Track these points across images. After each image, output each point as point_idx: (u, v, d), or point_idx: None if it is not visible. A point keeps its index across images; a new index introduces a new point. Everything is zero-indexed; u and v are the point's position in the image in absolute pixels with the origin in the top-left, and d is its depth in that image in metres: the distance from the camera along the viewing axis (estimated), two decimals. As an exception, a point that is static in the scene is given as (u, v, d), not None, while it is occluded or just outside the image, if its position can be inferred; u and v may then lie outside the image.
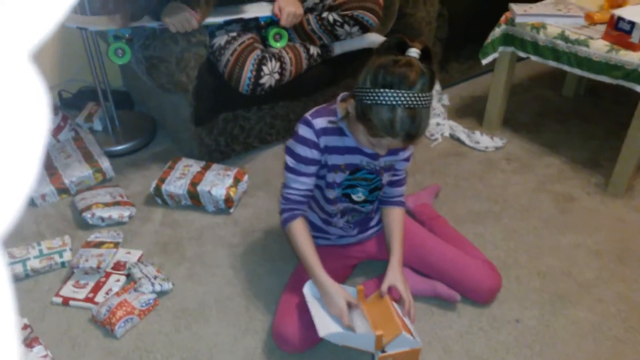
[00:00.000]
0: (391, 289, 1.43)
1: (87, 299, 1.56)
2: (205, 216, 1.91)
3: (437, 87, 2.55)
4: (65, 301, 1.56)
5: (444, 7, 2.49)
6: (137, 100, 2.56)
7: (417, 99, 1.15)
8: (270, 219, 1.88)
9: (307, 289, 1.39)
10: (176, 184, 1.90)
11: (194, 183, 1.89)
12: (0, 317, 0.30)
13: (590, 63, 1.86)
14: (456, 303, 1.55)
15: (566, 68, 1.96)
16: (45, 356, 1.34)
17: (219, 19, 1.90)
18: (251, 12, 1.94)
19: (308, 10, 2.02)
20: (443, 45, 2.58)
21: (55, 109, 2.22)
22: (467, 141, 2.29)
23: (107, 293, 1.58)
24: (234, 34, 1.94)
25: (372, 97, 1.17)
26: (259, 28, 2.00)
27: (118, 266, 1.67)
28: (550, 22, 1.98)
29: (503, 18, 2.12)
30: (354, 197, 1.47)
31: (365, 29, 2.02)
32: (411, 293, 1.43)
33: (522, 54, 2.10)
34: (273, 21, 1.95)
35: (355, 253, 1.62)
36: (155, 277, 1.59)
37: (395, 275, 1.43)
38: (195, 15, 1.79)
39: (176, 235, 1.83)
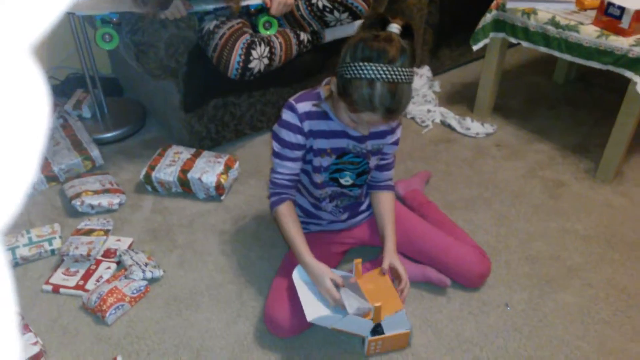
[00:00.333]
0: (388, 270, 1.44)
1: (78, 287, 1.56)
2: (196, 203, 1.90)
3: (428, 73, 2.55)
4: (56, 289, 1.56)
5: (435, -7, 2.48)
6: (126, 87, 2.54)
7: (397, 73, 1.15)
8: (261, 206, 1.88)
9: (296, 274, 1.40)
10: (166, 171, 1.89)
11: (185, 170, 1.88)
12: (0, 307, 0.30)
13: (581, 49, 1.86)
14: (446, 288, 1.56)
15: (556, 54, 1.96)
16: (36, 343, 1.34)
17: (209, 6, 1.88)
18: None
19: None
20: (434, 32, 2.57)
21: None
22: (457, 128, 2.30)
23: (97, 280, 1.58)
24: (223, 18, 1.92)
25: (351, 72, 1.17)
26: (249, 14, 1.98)
27: (108, 254, 1.67)
28: (540, 7, 1.98)
29: (494, 4, 2.11)
30: (342, 181, 1.47)
31: (355, 15, 2.00)
32: (403, 277, 1.44)
33: (512, 40, 2.10)
34: (263, 9, 1.93)
35: (346, 239, 1.63)
36: (146, 264, 1.59)
37: (393, 257, 1.44)
38: (185, 3, 1.77)
39: (167, 223, 1.82)
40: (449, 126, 2.32)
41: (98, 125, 2.25)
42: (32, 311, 1.50)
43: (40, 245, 1.67)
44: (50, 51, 2.49)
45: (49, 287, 1.56)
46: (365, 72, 1.15)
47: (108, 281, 1.55)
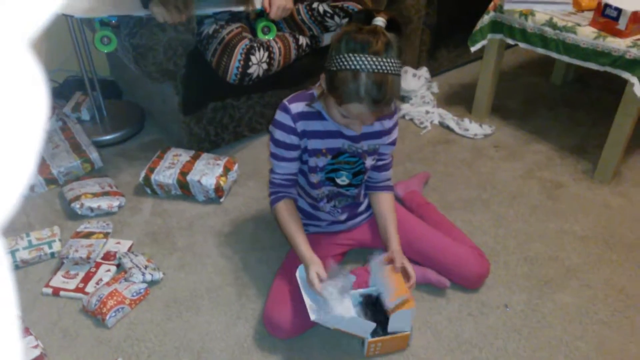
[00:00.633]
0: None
1: (78, 289, 1.56)
2: (196, 206, 1.90)
3: (426, 75, 2.56)
4: (56, 292, 1.56)
5: (433, -5, 2.48)
6: (125, 90, 2.54)
7: (381, 63, 1.16)
8: (260, 208, 1.88)
9: (300, 273, 1.40)
10: (165, 173, 1.89)
11: (184, 172, 1.89)
12: (1, 308, 0.30)
13: (578, 50, 1.87)
14: (445, 289, 1.56)
15: (554, 55, 1.97)
16: (36, 346, 1.34)
17: (208, 10, 1.88)
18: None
19: (298, 0, 2.01)
20: (432, 33, 2.58)
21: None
22: (456, 129, 2.30)
23: (97, 283, 1.58)
24: (223, 22, 1.92)
25: (336, 64, 1.20)
26: (248, 18, 1.98)
27: (108, 256, 1.67)
28: (538, 8, 1.99)
29: (492, 5, 2.12)
30: (338, 180, 1.48)
31: None
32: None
33: (510, 41, 2.11)
34: (262, 13, 1.93)
35: (344, 240, 1.63)
36: (145, 267, 1.59)
37: (402, 257, 1.44)
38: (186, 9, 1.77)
39: (166, 225, 1.82)
40: (447, 127, 2.33)
41: (97, 128, 2.26)
42: (32, 314, 1.50)
43: (40, 248, 1.67)
44: (49, 54, 2.49)
45: (49, 290, 1.56)
46: (350, 63, 1.17)
47: (108, 284, 1.55)
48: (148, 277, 1.57)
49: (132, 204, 1.91)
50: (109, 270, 1.63)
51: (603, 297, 1.56)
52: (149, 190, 1.94)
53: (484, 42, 2.17)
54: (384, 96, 1.19)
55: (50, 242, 1.69)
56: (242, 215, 1.86)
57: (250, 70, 1.86)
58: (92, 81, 2.25)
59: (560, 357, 1.40)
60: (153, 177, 1.89)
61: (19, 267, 1.65)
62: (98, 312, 1.46)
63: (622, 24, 1.76)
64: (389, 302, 1.35)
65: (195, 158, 1.95)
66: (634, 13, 1.73)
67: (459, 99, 2.53)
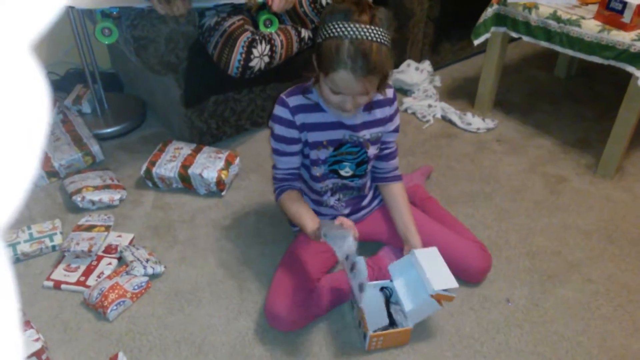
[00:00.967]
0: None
1: (79, 283, 1.56)
2: (197, 199, 1.90)
3: (429, 68, 2.54)
4: (57, 285, 1.56)
5: (436, -13, 2.47)
6: (127, 82, 2.53)
7: (364, 30, 1.17)
8: (262, 202, 1.88)
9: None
10: (167, 166, 1.89)
11: (185, 166, 1.88)
12: (2, 301, 0.30)
13: (582, 43, 1.85)
14: (447, 283, 1.56)
15: (558, 48, 1.95)
16: (37, 339, 1.34)
17: (210, 3, 1.87)
18: None
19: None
20: (435, 26, 2.56)
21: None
22: (458, 123, 2.29)
23: (98, 276, 1.58)
24: (224, 14, 1.91)
25: (321, 34, 1.22)
26: (250, 10, 1.97)
27: (109, 249, 1.67)
28: (542, 1, 1.97)
29: (495, -2, 2.10)
30: (342, 172, 1.47)
31: None
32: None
33: (514, 35, 2.09)
34: (264, 6, 1.92)
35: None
36: (147, 260, 1.59)
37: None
38: (185, 1, 1.76)
39: (168, 218, 1.82)
40: (450, 121, 2.32)
41: (98, 121, 2.25)
42: (34, 307, 1.50)
43: (41, 242, 1.67)
44: (49, 46, 2.48)
45: (50, 283, 1.56)
46: (333, 31, 1.19)
47: (109, 277, 1.55)
48: (149, 271, 1.56)
49: (134, 197, 1.91)
50: (110, 264, 1.63)
51: (605, 292, 1.56)
52: (150, 184, 1.93)
53: (487, 36, 2.16)
54: (368, 63, 1.18)
55: (51, 235, 1.69)
56: (243, 209, 1.86)
57: (252, 64, 1.85)
58: (93, 73, 2.24)
59: (562, 352, 1.39)
60: (154, 170, 1.89)
61: (20, 260, 1.64)
62: (99, 306, 1.46)
63: (627, 17, 1.74)
64: (435, 285, 1.31)
65: (196, 151, 1.95)
66: (639, 6, 1.71)
67: (462, 93, 2.52)
